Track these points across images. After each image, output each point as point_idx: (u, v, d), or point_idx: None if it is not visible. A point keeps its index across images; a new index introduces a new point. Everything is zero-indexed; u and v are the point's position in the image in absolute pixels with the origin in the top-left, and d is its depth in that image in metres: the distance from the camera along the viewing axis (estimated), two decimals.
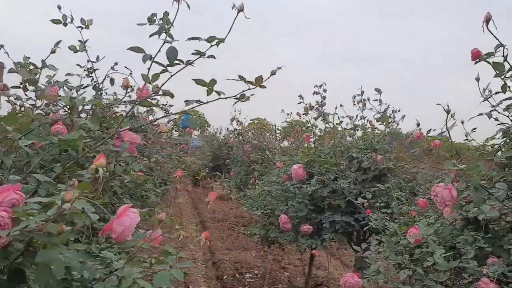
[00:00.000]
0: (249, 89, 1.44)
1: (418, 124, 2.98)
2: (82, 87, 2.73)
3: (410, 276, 1.84)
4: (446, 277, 1.64)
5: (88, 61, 2.65)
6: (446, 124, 2.04)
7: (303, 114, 3.90)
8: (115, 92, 2.86)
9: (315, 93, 3.74)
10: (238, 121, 5.51)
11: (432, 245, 1.93)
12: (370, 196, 2.94)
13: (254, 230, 4.58)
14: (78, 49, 2.43)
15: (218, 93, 1.45)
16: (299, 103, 3.78)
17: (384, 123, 3.62)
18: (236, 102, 1.50)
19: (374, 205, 2.94)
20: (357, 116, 3.98)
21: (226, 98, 1.47)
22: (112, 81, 2.74)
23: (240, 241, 7.78)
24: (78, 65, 2.73)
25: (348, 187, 3.50)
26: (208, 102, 1.47)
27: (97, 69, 2.75)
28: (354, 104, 4.04)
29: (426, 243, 1.99)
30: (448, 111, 2.03)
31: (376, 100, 3.75)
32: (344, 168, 3.65)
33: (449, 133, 2.09)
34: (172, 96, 1.61)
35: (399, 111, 3.96)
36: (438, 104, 2.05)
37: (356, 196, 3.42)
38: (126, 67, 2.08)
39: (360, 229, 3.58)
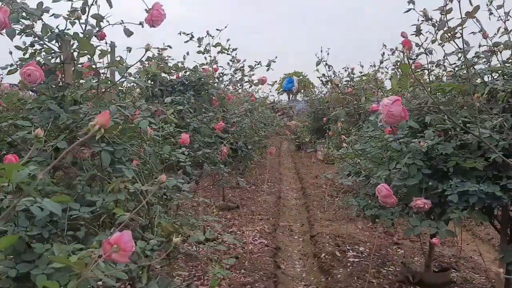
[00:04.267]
0: None
1: None
2: None
3: None
4: None
5: None
6: None
7: (413, 34, 2.64)
8: None
9: None
10: (327, 64, 4.36)
11: None
12: None
13: (352, 201, 3.55)
14: None
15: None
16: (407, 11, 2.55)
17: None
18: None
19: None
20: (498, 30, 2.61)
21: None
22: None
23: (344, 210, 6.73)
24: None
25: (490, 137, 2.23)
26: None
27: None
28: (491, 13, 2.66)
29: None
30: None
31: None
32: (481, 109, 2.37)
33: None
34: None
35: None
36: None
37: (505, 152, 2.17)
38: None
39: (510, 203, 2.33)
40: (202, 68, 3.81)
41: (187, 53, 3.91)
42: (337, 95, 4.05)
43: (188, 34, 4.50)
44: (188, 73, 3.74)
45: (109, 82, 1.76)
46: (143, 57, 1.91)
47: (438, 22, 2.65)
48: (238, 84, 4.28)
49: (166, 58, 3.57)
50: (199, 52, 4.53)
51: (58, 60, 1.98)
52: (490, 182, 2.24)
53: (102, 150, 1.58)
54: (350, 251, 4.94)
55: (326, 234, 5.61)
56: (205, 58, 4.51)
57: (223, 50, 4.15)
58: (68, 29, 1.99)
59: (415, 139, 2.44)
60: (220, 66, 4.67)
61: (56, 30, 1.95)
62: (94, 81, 1.71)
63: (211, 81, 3.74)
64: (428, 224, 2.24)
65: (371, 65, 5.16)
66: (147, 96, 3.40)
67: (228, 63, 4.69)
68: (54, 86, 1.88)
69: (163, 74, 3.84)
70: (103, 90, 1.78)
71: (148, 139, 1.98)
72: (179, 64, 3.69)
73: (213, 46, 4.51)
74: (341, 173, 3.18)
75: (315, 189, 8.75)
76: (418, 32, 2.77)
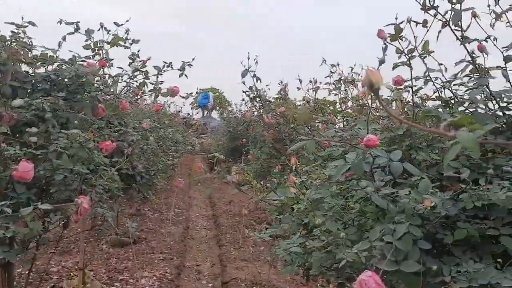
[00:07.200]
0: None
1: None
2: None
3: None
4: None
5: None
6: None
7: (389, 36, 1.82)
8: None
9: None
10: (255, 75, 3.42)
11: None
12: None
13: (281, 254, 2.61)
14: None
15: None
16: None
17: None
18: None
19: None
20: None
21: None
22: None
23: (263, 247, 5.81)
24: None
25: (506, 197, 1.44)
26: None
27: None
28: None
29: None
30: None
31: None
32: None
33: None
34: None
35: None
36: None
37: None
38: None
39: None
40: (83, 61, 2.66)
41: (64, 39, 2.70)
42: (306, 110, 3.14)
43: (72, 24, 3.15)
44: (64, 66, 2.55)
45: None
46: None
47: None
48: (140, 92, 3.11)
49: (28, 41, 2.36)
50: (86, 47, 3.23)
51: None
52: None
53: None
54: None
55: (241, 280, 4.63)
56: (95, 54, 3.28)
57: (118, 42, 2.99)
58: None
59: (399, 189, 1.59)
60: (119, 67, 3.50)
61: None
62: None
63: (97, 80, 2.59)
64: None
65: (310, 81, 4.38)
66: None
67: (129, 63, 3.54)
68: None
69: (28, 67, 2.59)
70: None
71: None
72: (50, 53, 2.50)
73: (106, 42, 3.30)
74: (275, 225, 2.23)
75: (229, 217, 7.76)
76: (397, 32, 1.97)
